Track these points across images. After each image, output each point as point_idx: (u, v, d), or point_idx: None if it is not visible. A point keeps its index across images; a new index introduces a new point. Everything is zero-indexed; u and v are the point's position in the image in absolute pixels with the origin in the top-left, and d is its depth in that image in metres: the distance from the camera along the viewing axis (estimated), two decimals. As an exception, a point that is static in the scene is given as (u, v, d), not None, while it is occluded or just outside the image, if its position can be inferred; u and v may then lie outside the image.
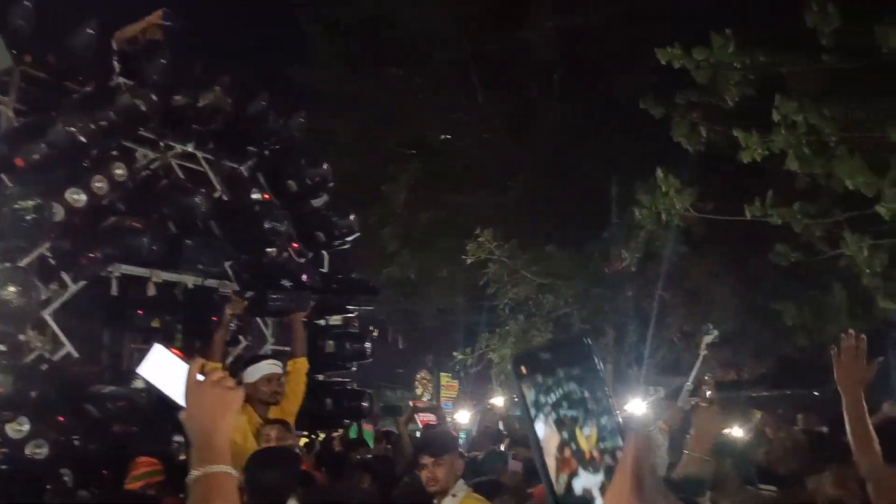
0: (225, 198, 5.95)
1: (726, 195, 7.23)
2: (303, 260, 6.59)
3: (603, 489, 0.79)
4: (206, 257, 5.56)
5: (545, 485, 0.80)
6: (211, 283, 5.71)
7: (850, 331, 2.53)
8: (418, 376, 11.75)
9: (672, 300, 11.00)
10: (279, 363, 4.90)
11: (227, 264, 5.86)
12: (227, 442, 1.53)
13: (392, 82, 12.97)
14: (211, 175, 6.00)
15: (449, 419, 12.08)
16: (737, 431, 7.27)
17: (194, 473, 1.47)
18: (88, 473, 4.34)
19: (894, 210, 5.60)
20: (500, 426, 8.86)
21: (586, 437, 0.81)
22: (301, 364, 5.06)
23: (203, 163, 5.98)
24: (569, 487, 0.80)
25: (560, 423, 0.80)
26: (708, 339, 6.59)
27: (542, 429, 0.81)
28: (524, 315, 11.27)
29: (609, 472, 0.79)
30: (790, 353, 9.97)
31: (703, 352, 6.34)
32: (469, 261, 10.03)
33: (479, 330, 12.12)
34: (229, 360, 5.44)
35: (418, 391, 12.58)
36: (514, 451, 6.43)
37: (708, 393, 3.11)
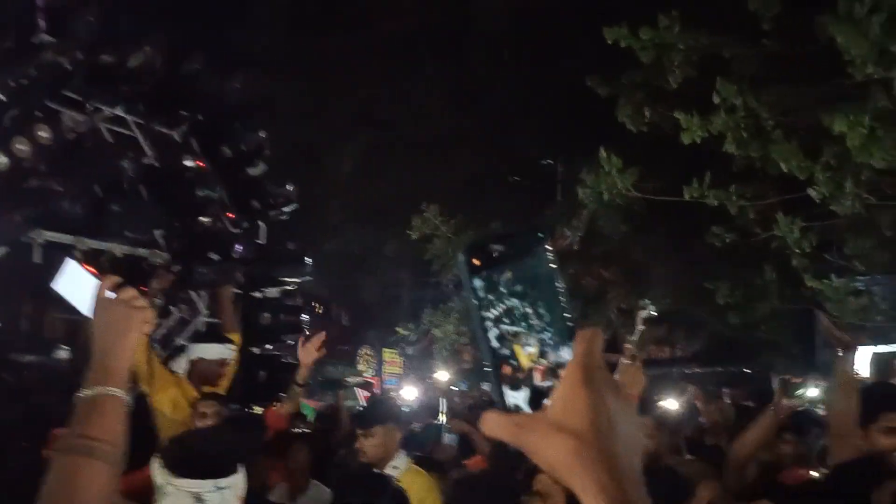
0: (156, 164, 5.75)
1: (669, 176, 7.35)
2: (237, 230, 6.43)
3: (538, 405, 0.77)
4: (134, 225, 5.39)
5: (496, 397, 0.78)
6: (140, 252, 5.53)
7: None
8: (360, 352, 11.70)
9: (612, 278, 11.20)
10: (233, 349, 4.81)
11: (157, 233, 5.69)
12: (126, 364, 1.46)
13: (339, 51, 12.71)
14: (141, 139, 5.79)
15: (393, 395, 12.11)
16: (671, 404, 7.49)
17: (83, 393, 1.40)
18: (5, 443, 4.19)
19: (824, 194, 5.78)
20: (441, 400, 8.92)
21: (528, 352, 0.78)
22: (234, 340, 4.94)
23: (133, 127, 5.76)
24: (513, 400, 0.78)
25: (507, 330, 0.77)
26: (644, 314, 6.74)
27: (495, 333, 0.78)
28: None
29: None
30: (722, 331, 10.27)
31: (640, 327, 6.49)
32: (413, 236, 9.97)
33: (425, 306, 12.15)
34: (161, 331, 5.30)
35: (360, 367, 12.56)
36: (451, 423, 6.49)
37: (630, 352, 3.17)
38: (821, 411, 6.14)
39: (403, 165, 12.41)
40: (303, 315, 6.84)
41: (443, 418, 8.43)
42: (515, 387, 0.77)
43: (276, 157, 6.99)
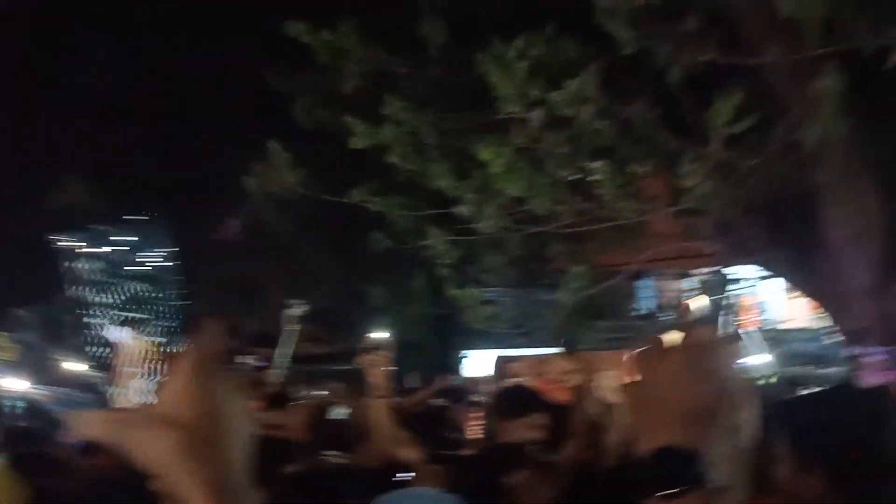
0: None
1: (338, 177, 7.52)
2: None
3: None
4: None
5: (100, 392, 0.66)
6: None
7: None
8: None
9: (275, 272, 11.13)
10: None
11: None
12: None
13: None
14: None
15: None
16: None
17: None
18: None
19: (470, 213, 6.43)
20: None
21: (147, 341, 0.68)
22: None
23: None
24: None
25: (123, 317, 0.66)
26: (297, 312, 6.80)
27: (108, 319, 0.65)
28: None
29: None
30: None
31: (294, 326, 6.52)
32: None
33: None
34: None
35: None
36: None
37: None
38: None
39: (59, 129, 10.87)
40: None
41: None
42: (125, 378, 0.69)
43: None
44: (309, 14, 6.09)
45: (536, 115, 5.41)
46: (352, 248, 9.99)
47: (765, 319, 15.40)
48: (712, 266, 11.30)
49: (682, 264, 11.67)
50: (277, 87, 7.24)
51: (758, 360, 11.77)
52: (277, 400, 5.02)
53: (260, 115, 9.86)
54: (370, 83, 6.30)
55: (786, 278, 8.30)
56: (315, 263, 10.85)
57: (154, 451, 0.70)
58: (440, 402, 7.12)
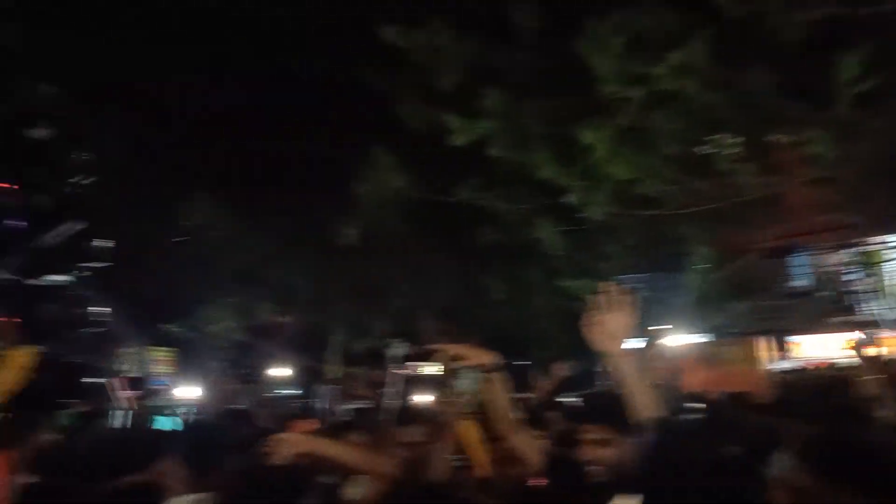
0: None
1: (443, 176, 7.53)
2: (12, 201, 5.33)
3: None
4: None
5: None
6: None
7: (603, 284, 2.36)
8: (123, 351, 10.73)
9: (395, 274, 11.31)
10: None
11: None
12: None
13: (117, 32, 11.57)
14: None
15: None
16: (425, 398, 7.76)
17: None
18: None
19: (577, 201, 6.21)
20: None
21: None
22: (19, 357, 4.13)
23: None
24: None
25: None
26: (393, 352, 6.91)
27: None
28: (247, 286, 10.86)
29: None
30: (495, 326, 10.76)
31: (393, 366, 6.61)
32: (186, 224, 9.36)
33: (202, 300, 11.44)
34: None
35: (125, 367, 11.50)
36: None
37: None
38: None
39: (176, 150, 11.60)
40: (101, 307, 5.71)
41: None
42: None
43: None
44: (396, 16, 6.09)
45: (639, 93, 5.12)
46: (461, 244, 9.95)
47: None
48: (857, 238, 10.34)
49: (825, 238, 10.77)
50: (376, 86, 7.31)
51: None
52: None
53: (358, 122, 10.05)
54: (467, 78, 6.22)
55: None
56: (429, 262, 10.93)
57: None
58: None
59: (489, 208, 7.04)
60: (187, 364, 13.27)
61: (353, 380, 6.76)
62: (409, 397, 7.52)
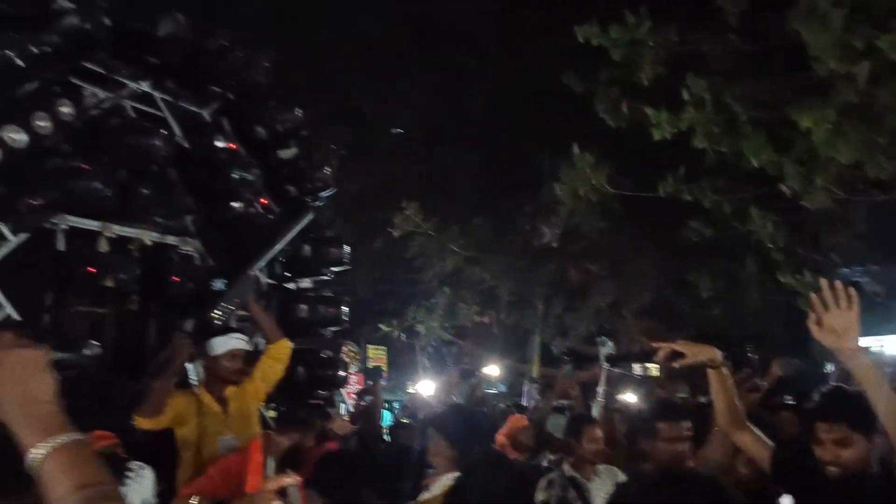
0: (185, 145, 5.17)
1: (644, 172, 7.36)
2: (271, 216, 5.81)
3: None
4: (165, 210, 4.78)
5: None
6: (170, 239, 4.92)
7: (823, 281, 2.29)
8: (344, 349, 11.65)
9: (596, 273, 11.23)
10: (246, 338, 4.55)
11: (187, 219, 5.12)
12: (57, 408, 1.29)
13: (320, 46, 12.64)
14: (170, 119, 5.18)
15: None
16: (630, 397, 7.58)
17: (38, 452, 1.21)
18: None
19: (795, 188, 5.79)
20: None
21: None
22: (278, 349, 4.59)
23: (161, 104, 5.16)
24: None
25: None
26: (605, 350, 6.83)
27: None
28: (451, 288, 11.34)
29: None
30: (706, 325, 10.29)
31: (604, 365, 6.55)
32: (395, 234, 9.99)
33: (410, 301, 12.14)
34: None
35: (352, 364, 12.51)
36: None
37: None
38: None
39: (386, 161, 12.39)
40: (343, 307, 6.32)
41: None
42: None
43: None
44: (591, 15, 6.07)
45: (863, 68, 4.69)
46: (667, 240, 9.62)
47: None
48: None
49: None
50: (574, 88, 7.32)
51: None
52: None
53: (555, 123, 10.06)
54: (667, 70, 6.05)
55: None
56: (631, 260, 10.69)
57: None
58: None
59: (695, 202, 6.77)
60: (398, 361, 14.12)
61: (558, 379, 6.82)
62: (614, 396, 7.42)
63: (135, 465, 3.06)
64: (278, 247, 5.63)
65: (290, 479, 1.85)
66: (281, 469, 3.53)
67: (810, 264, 6.99)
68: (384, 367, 13.45)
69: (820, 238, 7.15)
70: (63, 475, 1.21)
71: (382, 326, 11.99)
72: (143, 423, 3.93)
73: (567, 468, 3.95)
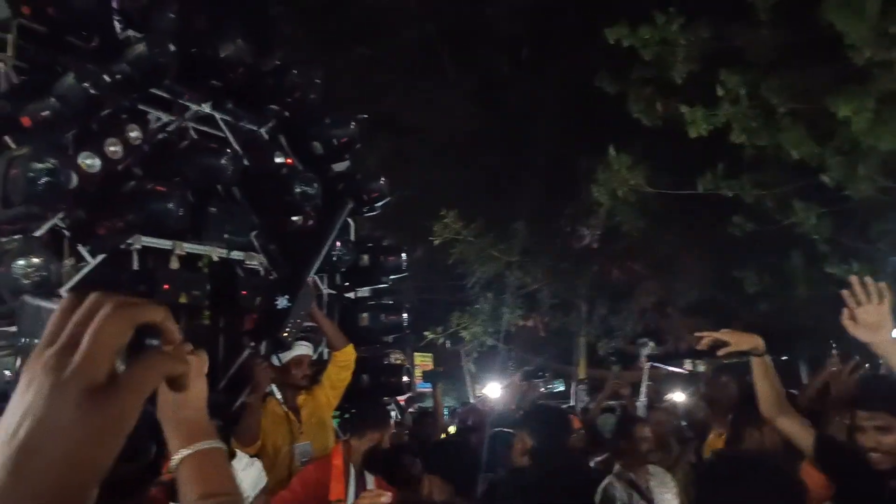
0: (246, 162, 5.25)
1: (683, 170, 7.33)
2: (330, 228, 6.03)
3: None
4: (232, 227, 4.95)
5: None
6: (236, 255, 5.07)
7: (853, 278, 2.34)
8: (392, 356, 11.79)
9: (640, 272, 11.16)
10: (310, 345, 4.71)
11: (252, 234, 5.40)
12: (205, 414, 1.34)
13: (360, 60, 12.85)
14: (231, 138, 5.37)
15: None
16: (678, 396, 7.52)
17: (177, 458, 1.26)
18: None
19: (837, 179, 5.73)
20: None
21: None
22: (343, 356, 4.72)
23: (222, 125, 5.35)
24: None
25: None
26: (645, 350, 6.79)
27: None
28: (494, 293, 11.40)
29: None
30: (754, 320, 10.14)
31: (645, 366, 6.53)
32: (436, 242, 10.11)
33: (453, 308, 12.21)
34: None
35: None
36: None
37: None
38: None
39: (426, 169, 12.50)
40: (403, 314, 6.46)
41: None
42: None
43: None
44: (623, 16, 6.10)
45: (901, 55, 4.64)
46: (709, 237, 9.53)
47: None
48: None
49: None
50: (607, 89, 7.34)
51: None
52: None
53: (591, 126, 10.05)
54: (700, 67, 6.04)
55: None
56: (675, 257, 10.60)
57: None
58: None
59: (737, 197, 6.73)
60: (444, 367, 14.22)
61: (608, 379, 6.83)
62: (662, 395, 7.38)
63: (243, 456, 3.16)
64: (324, 251, 5.75)
65: (385, 499, 1.92)
66: (361, 474, 3.62)
67: (858, 254, 6.87)
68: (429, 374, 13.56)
69: (867, 227, 7.01)
70: (193, 483, 1.25)
71: (427, 333, 12.10)
72: (243, 451, 3.99)
73: (618, 469, 3.97)
